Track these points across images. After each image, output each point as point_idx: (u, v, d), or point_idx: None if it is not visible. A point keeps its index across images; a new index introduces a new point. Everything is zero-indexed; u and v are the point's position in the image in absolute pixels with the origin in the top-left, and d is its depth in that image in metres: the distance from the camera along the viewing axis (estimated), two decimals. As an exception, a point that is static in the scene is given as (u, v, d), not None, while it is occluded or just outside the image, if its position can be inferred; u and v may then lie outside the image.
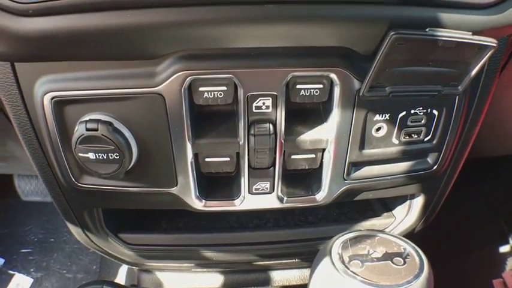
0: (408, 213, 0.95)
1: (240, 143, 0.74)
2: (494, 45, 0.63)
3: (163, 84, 0.66)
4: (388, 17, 0.61)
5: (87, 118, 0.68)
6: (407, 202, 0.94)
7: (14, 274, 1.78)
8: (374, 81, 0.66)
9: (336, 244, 0.59)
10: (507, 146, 1.64)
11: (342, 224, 0.96)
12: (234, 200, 0.81)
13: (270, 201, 0.82)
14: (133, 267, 1.15)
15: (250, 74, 0.67)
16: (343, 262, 0.56)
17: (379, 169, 0.81)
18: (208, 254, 0.95)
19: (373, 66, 0.63)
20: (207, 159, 0.76)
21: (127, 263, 1.00)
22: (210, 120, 0.75)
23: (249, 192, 0.80)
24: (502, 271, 1.89)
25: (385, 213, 0.99)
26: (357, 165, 0.80)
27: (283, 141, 0.74)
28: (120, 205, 0.84)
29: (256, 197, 0.81)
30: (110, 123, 0.68)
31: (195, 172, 0.77)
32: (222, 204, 0.82)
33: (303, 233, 0.96)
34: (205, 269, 1.12)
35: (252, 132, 0.72)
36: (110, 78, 0.67)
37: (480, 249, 2.01)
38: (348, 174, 0.80)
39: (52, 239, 1.91)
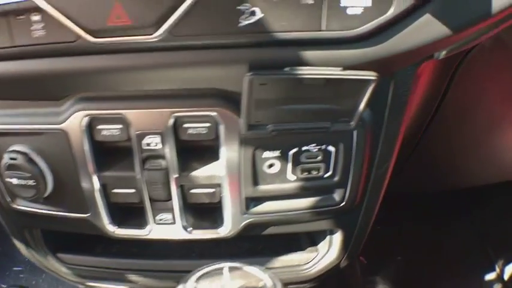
0: (330, 248, 0.95)
1: (137, 177, 0.78)
2: (374, 78, 0.63)
3: (66, 122, 0.74)
4: (246, 59, 0.63)
5: (11, 148, 0.78)
6: (328, 237, 0.94)
7: (5, 290, 1.85)
8: (252, 120, 0.69)
9: (191, 280, 0.60)
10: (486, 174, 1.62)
11: (265, 256, 0.97)
12: (143, 229, 0.86)
13: (176, 232, 0.85)
14: None
15: (138, 114, 0.73)
16: None
17: (281, 204, 0.83)
18: (138, 278, 1.00)
19: (241, 107, 0.66)
20: (114, 191, 0.82)
21: (68, 280, 1.06)
22: (114, 155, 0.80)
23: (154, 223, 0.85)
24: None
25: (309, 247, 0.99)
26: (256, 200, 0.83)
27: (176, 175, 0.78)
28: (49, 226, 0.93)
29: (163, 227, 0.85)
30: (26, 154, 0.78)
31: (105, 201, 0.83)
32: (132, 233, 0.87)
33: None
34: None
35: (146, 166, 0.77)
36: (23, 115, 0.77)
37: (466, 275, 1.97)
38: (247, 208, 0.82)
39: None
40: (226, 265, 0.64)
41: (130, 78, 0.70)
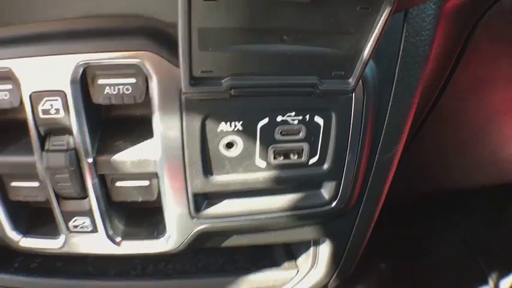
0: (315, 265, 0.70)
1: (37, 162, 0.53)
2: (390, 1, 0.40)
3: None
4: None
5: None
6: (311, 250, 0.70)
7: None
8: (197, 70, 0.44)
9: None
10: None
11: (228, 275, 0.72)
12: (56, 239, 0.61)
13: (99, 244, 0.60)
14: None
15: (31, 66, 0.49)
16: None
17: (246, 204, 0.58)
18: None
19: (179, 46, 0.41)
20: (12, 184, 0.58)
21: None
22: (6, 133, 0.56)
23: (68, 230, 0.59)
24: None
25: (286, 263, 0.75)
26: (210, 197, 0.58)
27: (90, 160, 0.53)
28: None
29: (80, 237, 0.60)
30: None
31: (2, 199, 0.59)
32: (42, 244, 0.63)
33: (176, 285, 0.73)
34: None
35: (46, 147, 0.52)
36: None
37: None
38: (198, 210, 0.57)
39: None
40: None
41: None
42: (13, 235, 0.62)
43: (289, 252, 0.76)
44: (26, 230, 0.63)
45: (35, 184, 0.57)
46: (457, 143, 1.25)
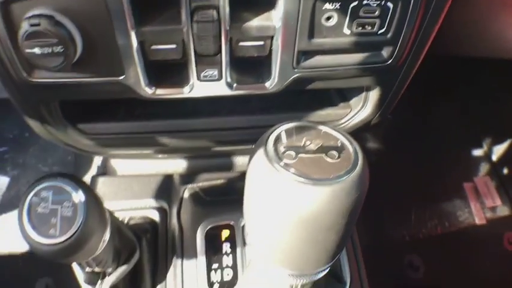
0: (364, 106, 0.95)
1: (184, 30, 0.72)
2: None
3: None
4: None
5: (30, 14, 0.67)
6: (363, 94, 0.94)
7: (-10, 177, 1.78)
8: None
9: (273, 134, 0.58)
10: (484, 48, 1.56)
11: (297, 112, 0.97)
12: (184, 87, 0.81)
13: (219, 88, 0.82)
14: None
15: None
16: (276, 153, 0.54)
17: (331, 59, 0.80)
18: (164, 140, 0.97)
19: None
20: (153, 47, 0.75)
21: (87, 152, 1.01)
22: (155, 7, 0.72)
23: (197, 79, 0.80)
24: (474, 175, 1.99)
25: (341, 104, 0.99)
26: (307, 54, 0.79)
27: (228, 27, 0.72)
28: (73, 96, 0.85)
29: (205, 84, 0.81)
30: (51, 17, 0.67)
31: (142, 60, 0.76)
32: (172, 92, 0.82)
33: (258, 120, 0.97)
34: (168, 156, 1.15)
35: (195, 19, 0.70)
36: None
37: (454, 151, 2.04)
38: (298, 62, 0.79)
39: (27, 134, 1.92)
40: (298, 124, 0.61)
41: None
42: (147, 88, 0.80)
43: (344, 97, 1.00)
44: (157, 83, 0.81)
45: (173, 46, 0.74)
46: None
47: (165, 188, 1.14)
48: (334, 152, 0.55)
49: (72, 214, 0.67)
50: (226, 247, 0.93)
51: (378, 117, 0.97)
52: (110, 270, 0.89)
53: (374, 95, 0.92)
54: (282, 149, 0.55)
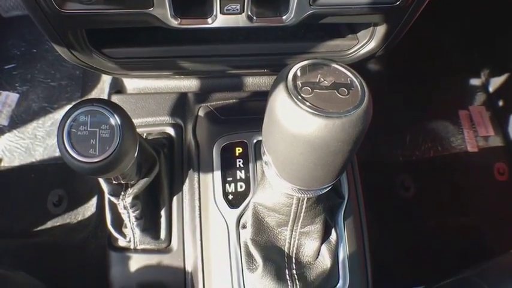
0: (371, 39, 1.01)
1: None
2: None
3: None
4: None
5: None
6: (371, 28, 0.99)
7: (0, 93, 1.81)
8: None
9: (292, 71, 0.65)
10: None
11: (309, 41, 1.03)
12: (207, 18, 0.87)
13: (240, 21, 0.88)
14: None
15: None
16: (295, 87, 0.62)
17: None
18: (184, 64, 1.04)
19: None
20: None
21: (111, 74, 1.09)
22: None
23: (220, 12, 0.86)
24: (469, 104, 2.02)
25: (349, 35, 1.05)
26: None
27: None
28: (101, 25, 0.90)
29: (228, 17, 0.87)
30: None
31: None
32: (196, 22, 0.88)
33: (272, 47, 1.04)
34: (183, 76, 1.23)
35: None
36: None
37: (450, 78, 2.06)
38: (314, 0, 0.85)
39: (34, 50, 1.91)
40: (312, 61, 0.67)
41: None
42: (172, 20, 0.85)
43: (352, 30, 1.06)
44: (183, 14, 0.86)
45: None
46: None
47: (180, 106, 1.22)
48: (344, 89, 0.64)
49: (110, 136, 0.76)
50: (239, 162, 1.03)
51: (383, 49, 1.04)
52: (132, 182, 0.99)
53: (381, 29, 0.98)
54: (299, 84, 0.63)
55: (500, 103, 1.99)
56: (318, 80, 0.64)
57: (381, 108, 1.88)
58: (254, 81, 1.24)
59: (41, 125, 1.79)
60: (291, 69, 0.65)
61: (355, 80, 0.65)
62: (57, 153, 1.72)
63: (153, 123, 1.21)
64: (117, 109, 0.77)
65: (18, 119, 1.79)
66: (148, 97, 1.24)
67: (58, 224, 1.61)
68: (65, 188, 1.66)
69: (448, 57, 2.08)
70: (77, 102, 0.77)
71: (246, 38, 1.03)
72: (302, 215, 0.83)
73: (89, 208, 1.62)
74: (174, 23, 0.86)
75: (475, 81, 2.07)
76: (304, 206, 0.81)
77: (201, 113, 1.16)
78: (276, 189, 0.80)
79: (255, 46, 1.03)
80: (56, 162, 1.71)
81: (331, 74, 0.65)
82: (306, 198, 0.79)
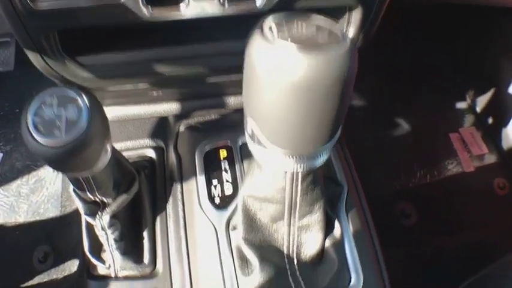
0: (348, 26, 0.99)
1: None
2: None
3: None
4: None
5: None
6: (346, 15, 0.97)
7: (-17, 153, 1.81)
8: None
9: (267, 20, 0.61)
10: None
11: None
12: (179, 4, 0.84)
13: (212, 8, 0.85)
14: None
15: None
16: (271, 31, 0.57)
17: None
18: (161, 68, 1.00)
19: None
20: None
21: (85, 88, 1.04)
22: None
23: None
24: (459, 126, 2.01)
25: None
26: None
27: None
28: (75, 24, 0.87)
29: (199, 4, 0.84)
30: None
31: None
32: (169, 10, 0.85)
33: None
34: (162, 98, 1.18)
35: None
36: None
37: (437, 103, 2.07)
38: None
39: (17, 110, 1.94)
40: (288, 12, 0.63)
41: None
42: (144, 9, 0.82)
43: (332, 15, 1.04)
44: (152, 3, 0.83)
45: None
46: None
47: (160, 128, 1.18)
48: (324, 34, 0.59)
49: (77, 117, 0.70)
50: (224, 165, 0.96)
51: (361, 40, 1.01)
52: (109, 200, 0.92)
53: (356, 15, 0.96)
54: (275, 29, 0.58)
55: (490, 121, 1.98)
56: (295, 26, 0.59)
57: (369, 138, 1.88)
58: (236, 101, 1.21)
59: (25, 182, 1.79)
60: (265, 19, 0.60)
61: (335, 26, 0.60)
62: (42, 210, 1.72)
63: (133, 147, 1.16)
64: (84, 91, 0.72)
65: (2, 177, 1.80)
66: (127, 123, 1.20)
67: (44, 280, 1.56)
68: (50, 244, 1.64)
69: (436, 80, 2.10)
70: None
71: (223, 37, 1.00)
72: (298, 200, 0.76)
73: (75, 262, 1.58)
74: (146, 13, 0.83)
75: (461, 104, 2.08)
76: (299, 189, 0.74)
77: (182, 129, 1.11)
78: (265, 169, 0.73)
79: (235, 44, 0.99)
80: (40, 218, 1.70)
81: (309, 22, 0.60)
82: (300, 178, 0.72)
